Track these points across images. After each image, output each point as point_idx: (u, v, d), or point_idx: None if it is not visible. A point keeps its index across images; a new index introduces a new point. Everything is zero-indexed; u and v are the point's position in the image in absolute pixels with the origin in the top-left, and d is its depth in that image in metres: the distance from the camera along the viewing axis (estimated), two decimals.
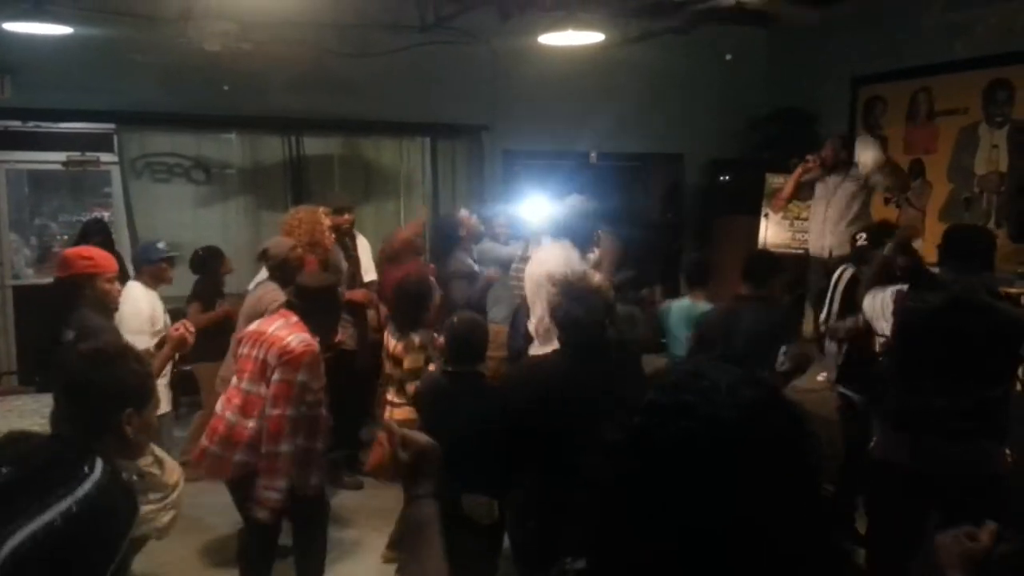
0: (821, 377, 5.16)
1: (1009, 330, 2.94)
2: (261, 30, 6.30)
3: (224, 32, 6.08)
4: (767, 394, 0.93)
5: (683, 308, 4.95)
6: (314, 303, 3.54)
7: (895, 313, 3.17)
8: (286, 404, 3.33)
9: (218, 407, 3.59)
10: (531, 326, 4.33)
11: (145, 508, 3.21)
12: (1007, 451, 2.96)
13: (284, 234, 4.84)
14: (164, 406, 4.36)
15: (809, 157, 6.24)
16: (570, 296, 2.79)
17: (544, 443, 2.60)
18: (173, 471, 2.42)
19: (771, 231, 7.63)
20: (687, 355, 4.09)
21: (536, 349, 4.16)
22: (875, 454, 3.17)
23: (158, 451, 2.58)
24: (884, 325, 3.51)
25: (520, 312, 4.74)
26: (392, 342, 4.20)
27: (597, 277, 2.96)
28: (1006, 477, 2.93)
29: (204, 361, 4.92)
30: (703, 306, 4.78)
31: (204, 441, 3.53)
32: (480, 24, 7.17)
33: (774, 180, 7.73)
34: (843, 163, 6.19)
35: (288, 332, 3.39)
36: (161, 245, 4.68)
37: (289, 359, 3.31)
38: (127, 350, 1.74)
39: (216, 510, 4.33)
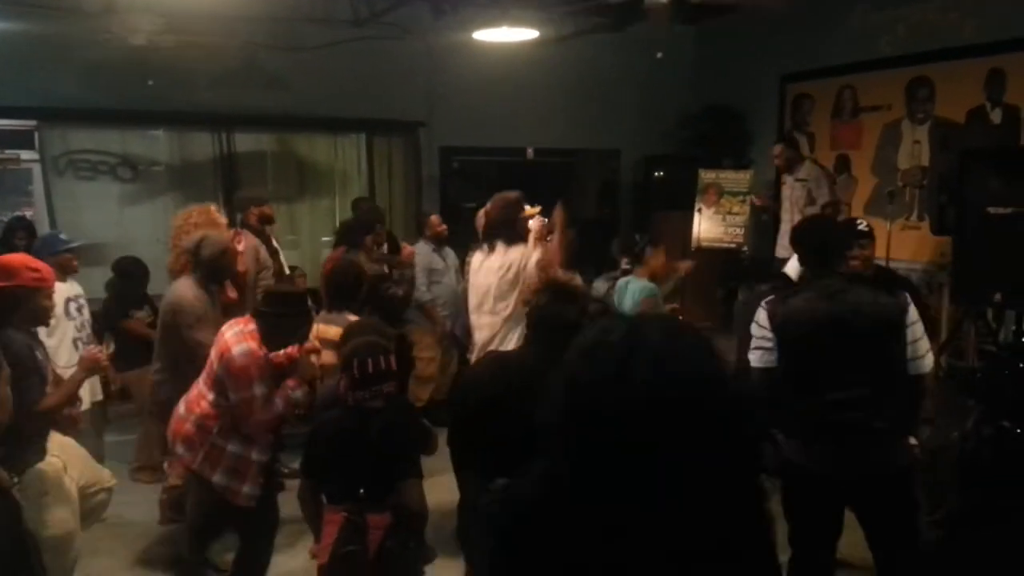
0: None
1: (886, 313, 2.89)
2: (188, 24, 6.15)
3: (149, 26, 5.92)
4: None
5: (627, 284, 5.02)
6: (282, 310, 3.40)
7: (771, 319, 2.98)
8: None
9: (181, 408, 3.51)
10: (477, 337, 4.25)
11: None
12: (912, 440, 2.96)
13: (176, 238, 4.60)
14: (85, 403, 4.20)
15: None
16: (554, 296, 2.76)
17: (504, 436, 2.56)
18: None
19: (704, 226, 7.77)
20: None
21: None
22: (783, 453, 3.03)
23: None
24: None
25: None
26: None
27: (577, 279, 3.03)
28: (915, 468, 2.94)
29: (133, 369, 4.85)
30: (642, 282, 4.91)
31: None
32: (414, 20, 7.13)
33: (706, 175, 7.87)
34: (794, 161, 6.81)
35: (236, 340, 3.28)
36: (63, 236, 4.56)
37: (235, 373, 3.25)
38: None
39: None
